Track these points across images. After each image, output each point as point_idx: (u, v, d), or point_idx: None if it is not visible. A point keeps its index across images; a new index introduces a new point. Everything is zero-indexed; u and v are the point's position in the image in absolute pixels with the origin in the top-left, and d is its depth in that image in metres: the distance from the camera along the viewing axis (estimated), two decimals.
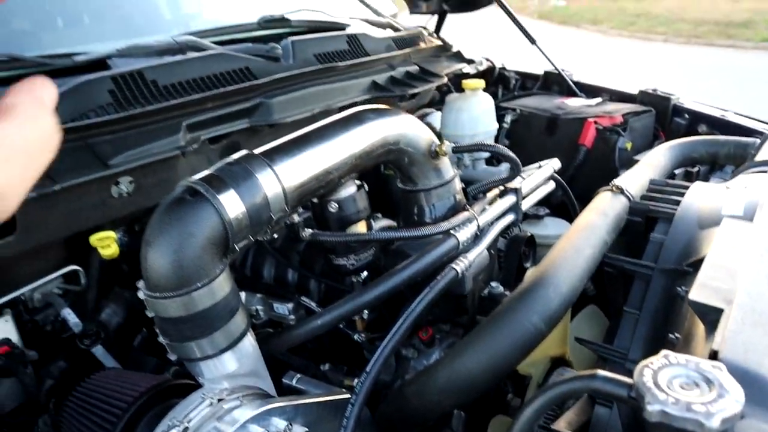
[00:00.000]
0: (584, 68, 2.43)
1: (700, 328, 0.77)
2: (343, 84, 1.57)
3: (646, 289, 0.98)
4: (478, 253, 1.05)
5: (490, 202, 1.17)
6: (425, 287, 0.94)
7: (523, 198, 1.21)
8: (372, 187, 1.15)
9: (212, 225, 0.78)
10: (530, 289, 0.90)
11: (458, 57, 2.20)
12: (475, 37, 5.06)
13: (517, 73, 2.42)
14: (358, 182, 1.11)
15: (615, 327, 0.97)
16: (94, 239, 1.16)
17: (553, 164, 1.35)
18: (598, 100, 2.08)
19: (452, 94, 1.85)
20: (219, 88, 1.30)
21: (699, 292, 0.77)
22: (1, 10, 1.46)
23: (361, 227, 1.12)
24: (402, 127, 1.06)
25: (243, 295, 1.14)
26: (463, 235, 1.04)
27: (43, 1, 1.69)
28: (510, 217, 1.18)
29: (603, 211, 1.13)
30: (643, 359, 0.59)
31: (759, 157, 1.35)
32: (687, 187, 1.19)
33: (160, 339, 0.84)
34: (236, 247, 0.82)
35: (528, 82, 2.40)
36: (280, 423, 0.75)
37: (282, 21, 1.70)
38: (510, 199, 1.18)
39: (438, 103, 2.09)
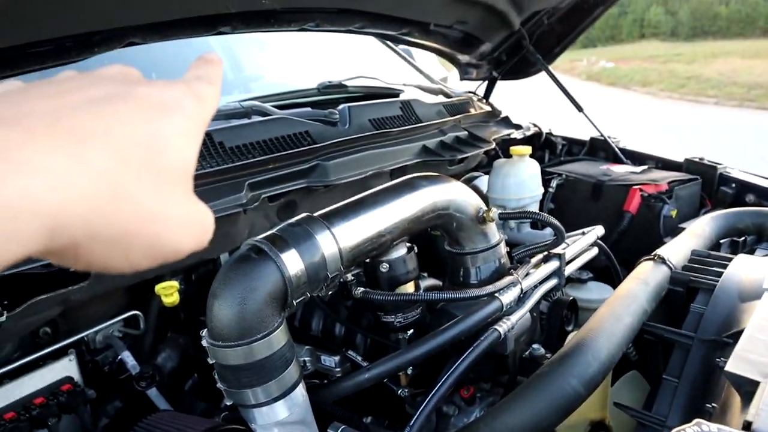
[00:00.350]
0: (633, 129, 2.45)
1: (736, 399, 0.79)
2: (396, 148, 1.60)
3: (686, 358, 1.00)
4: (521, 315, 1.07)
5: (534, 267, 1.19)
6: (469, 346, 0.97)
7: (567, 263, 1.23)
8: (419, 247, 1.18)
9: (274, 281, 0.83)
10: (570, 353, 0.93)
11: (506, 122, 2.23)
12: (524, 101, 5.13)
13: (564, 138, 2.44)
14: (408, 244, 1.14)
15: (654, 393, 0.99)
16: (159, 288, 1.22)
17: (597, 231, 1.37)
18: (644, 167, 2.09)
19: (500, 159, 1.91)
20: (280, 150, 1.35)
21: (736, 363, 0.79)
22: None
23: (409, 287, 1.15)
24: (451, 193, 1.10)
25: None
26: (507, 297, 1.06)
27: (112, 63, 1.82)
28: (553, 282, 1.20)
29: (644, 280, 1.15)
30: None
31: None
32: (729, 259, 1.20)
33: (219, 385, 0.88)
34: (294, 303, 0.87)
35: (574, 148, 2.42)
36: None
37: (339, 87, 1.81)
38: (553, 264, 1.20)
39: (486, 166, 2.14)
